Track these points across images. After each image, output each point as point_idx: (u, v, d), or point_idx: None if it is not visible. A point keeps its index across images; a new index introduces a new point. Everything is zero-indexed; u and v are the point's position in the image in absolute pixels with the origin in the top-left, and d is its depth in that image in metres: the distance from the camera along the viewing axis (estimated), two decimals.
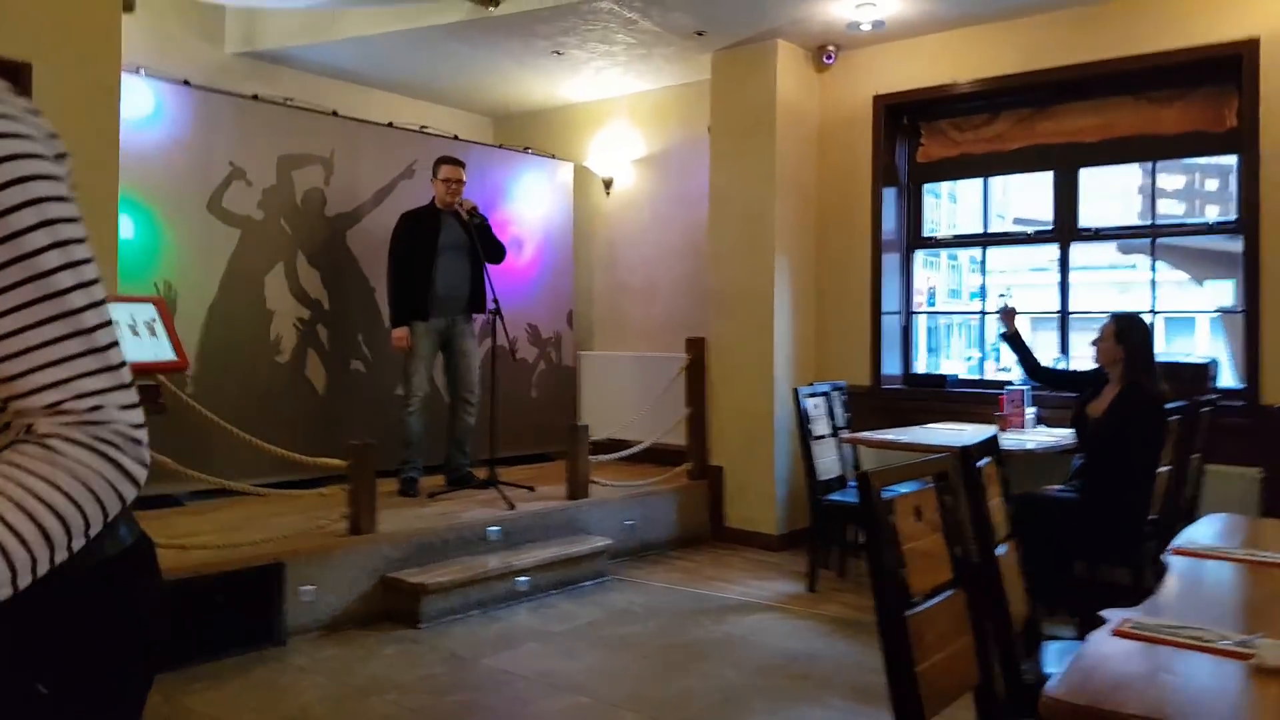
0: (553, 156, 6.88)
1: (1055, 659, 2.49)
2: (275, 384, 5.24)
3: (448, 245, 5.15)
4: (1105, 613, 1.57)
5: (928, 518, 2.00)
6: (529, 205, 6.63)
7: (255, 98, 5.26)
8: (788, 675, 3.54)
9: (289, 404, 5.27)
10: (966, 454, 2.26)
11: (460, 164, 5.23)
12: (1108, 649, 1.43)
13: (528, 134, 7.18)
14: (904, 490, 1.96)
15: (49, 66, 3.22)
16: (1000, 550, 2.27)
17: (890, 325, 5.69)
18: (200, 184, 4.97)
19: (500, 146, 6.71)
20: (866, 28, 5.21)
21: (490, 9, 5.22)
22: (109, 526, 1.01)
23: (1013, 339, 4.46)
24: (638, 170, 6.85)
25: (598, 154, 7.00)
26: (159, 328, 3.24)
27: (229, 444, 4.32)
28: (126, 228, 4.52)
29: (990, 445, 2.52)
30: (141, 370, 3.15)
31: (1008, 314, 4.47)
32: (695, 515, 5.67)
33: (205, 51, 5.79)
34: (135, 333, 3.17)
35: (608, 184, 6.97)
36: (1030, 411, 4.80)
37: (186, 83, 4.95)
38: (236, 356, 5.06)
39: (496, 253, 5.27)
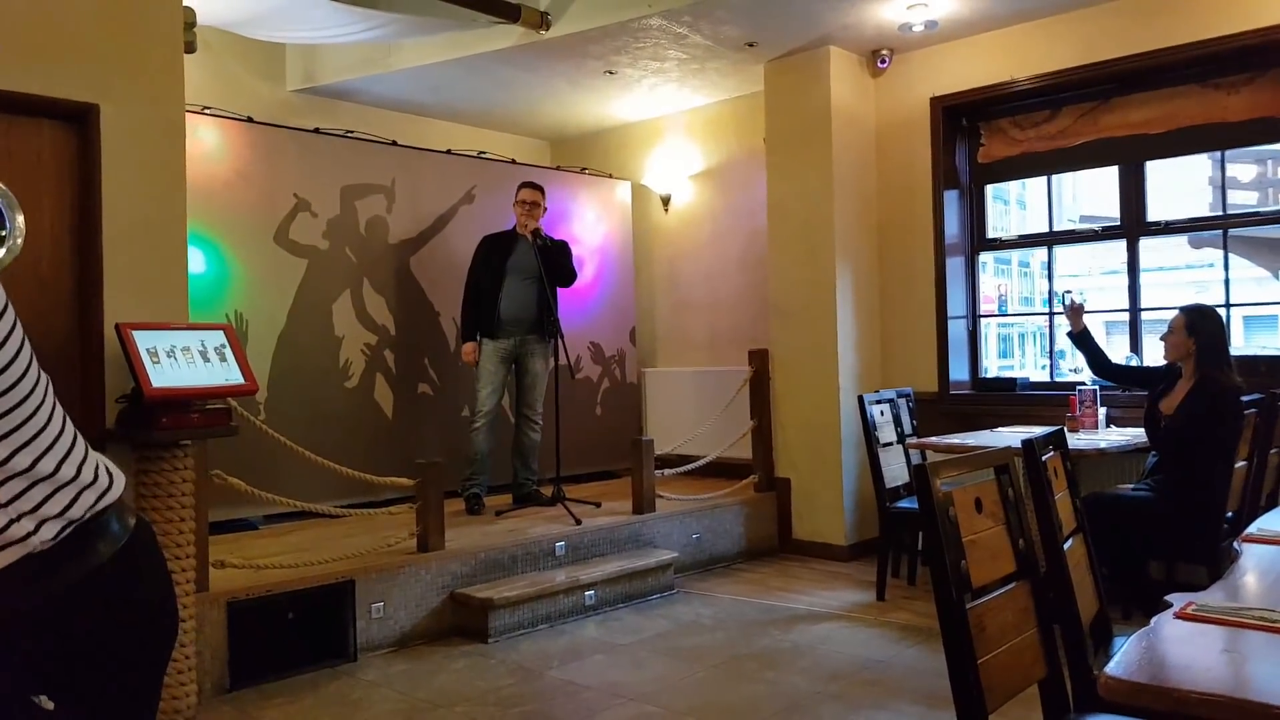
0: (610, 176, 6.95)
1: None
2: (345, 408, 5.37)
3: (516, 268, 5.26)
4: (1170, 597, 1.51)
5: (989, 510, 1.96)
6: (588, 225, 6.69)
7: (317, 130, 5.44)
8: (857, 682, 3.48)
9: (358, 427, 5.40)
10: (1030, 446, 2.20)
11: (536, 188, 5.34)
12: (1170, 630, 1.38)
13: (584, 155, 7.27)
14: (964, 483, 1.92)
15: (116, 108, 3.36)
16: (1067, 544, 2.20)
17: (956, 330, 5.59)
18: (267, 216, 5.15)
19: (558, 168, 6.79)
20: (919, 29, 5.16)
21: (541, 32, 5.31)
22: (100, 525, 1.02)
23: (1080, 337, 4.34)
24: (695, 185, 6.88)
25: (654, 171, 7.05)
26: (228, 353, 3.35)
27: (300, 467, 4.43)
28: (197, 261, 4.70)
29: (1056, 438, 2.46)
30: (212, 394, 3.26)
31: (1075, 312, 4.35)
32: (762, 528, 5.61)
33: (267, 89, 6.02)
34: (206, 358, 3.28)
35: (665, 200, 7.00)
36: (1102, 412, 4.65)
37: (250, 119, 5.14)
38: (307, 382, 5.20)
39: (565, 277, 5.35)
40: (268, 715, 3.36)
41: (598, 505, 5.21)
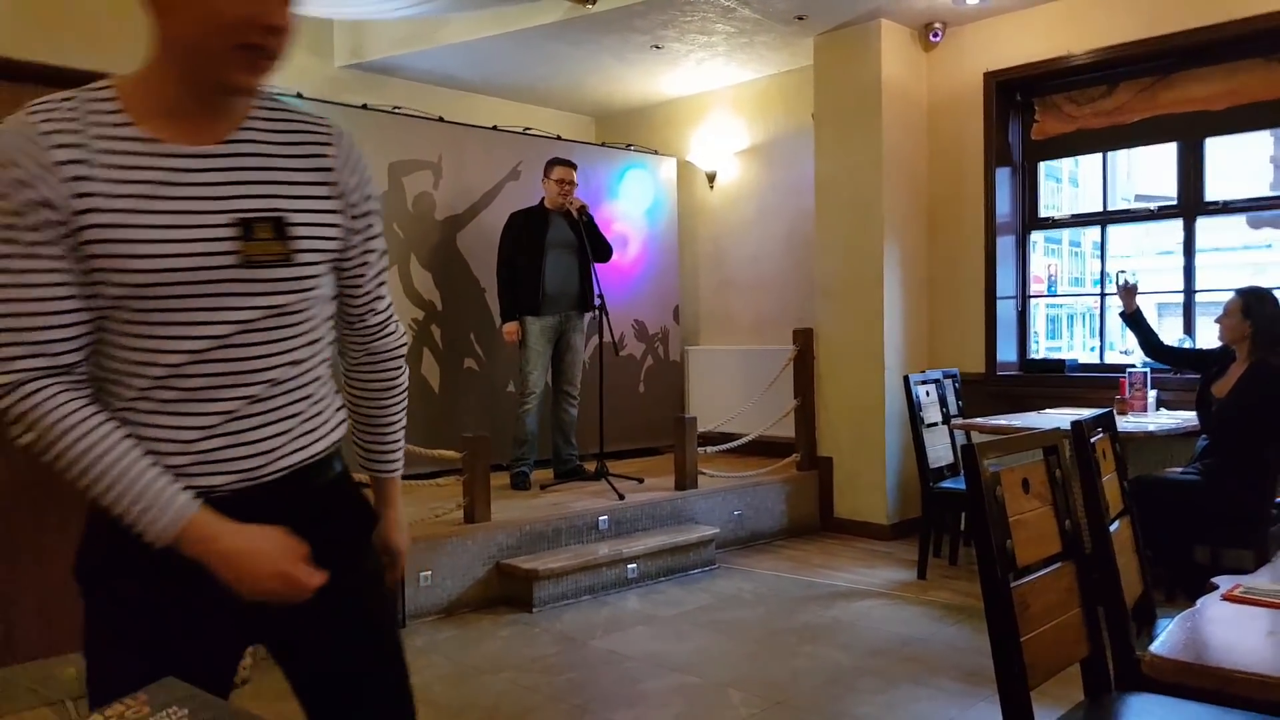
0: (655, 152, 6.94)
1: None
2: None
3: (555, 243, 5.28)
4: (1216, 579, 1.51)
5: (1036, 490, 1.96)
6: (633, 202, 6.70)
7: (365, 107, 5.50)
8: (897, 658, 3.49)
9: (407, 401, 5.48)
10: (1079, 427, 2.19)
11: (572, 165, 5.36)
12: (1216, 612, 1.37)
13: (630, 131, 7.26)
14: (1012, 463, 1.92)
15: None
16: (1113, 527, 2.19)
17: (1005, 311, 5.52)
18: None
19: (603, 145, 6.80)
20: (974, 1, 5.07)
21: (588, 6, 5.31)
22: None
23: (1133, 317, 4.27)
24: (741, 162, 6.84)
25: (700, 147, 7.02)
26: None
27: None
28: None
29: (1105, 420, 2.44)
30: None
31: (1128, 292, 4.28)
32: (804, 506, 5.62)
33: (315, 65, 6.07)
34: None
35: (711, 177, 6.98)
36: (1152, 394, 4.58)
37: (299, 95, 5.20)
38: None
39: (604, 251, 5.37)
40: (285, 686, 3.45)
41: (640, 481, 5.26)
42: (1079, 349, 6.89)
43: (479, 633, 3.91)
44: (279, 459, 1.26)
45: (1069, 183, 7.00)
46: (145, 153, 1.16)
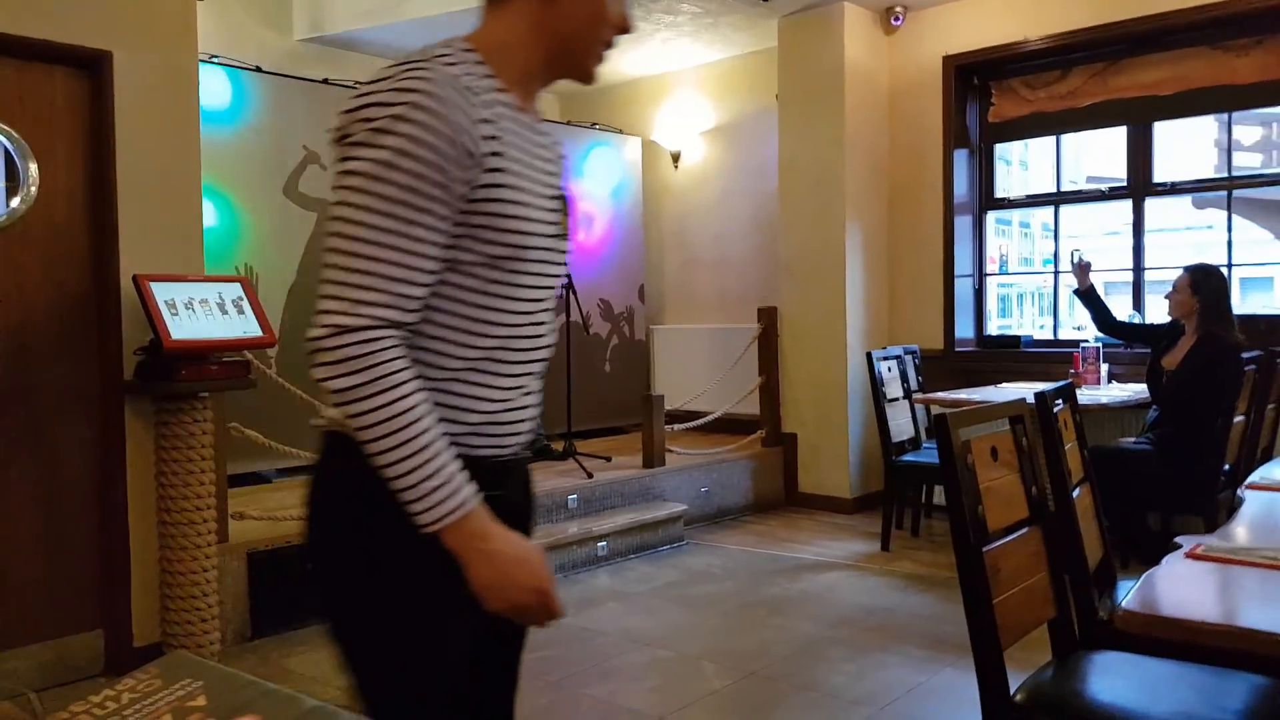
0: (620, 131, 6.94)
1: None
2: None
3: None
4: (1179, 539, 1.58)
5: (1004, 459, 2.02)
6: (598, 181, 6.69)
7: (326, 81, 5.42)
8: (864, 628, 3.58)
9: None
10: (1042, 398, 2.27)
11: None
12: (1180, 570, 1.45)
13: (594, 109, 7.24)
14: (980, 432, 1.99)
15: (128, 55, 3.32)
16: (1075, 493, 2.28)
17: (963, 288, 5.63)
18: (276, 169, 5.15)
19: (568, 123, 6.78)
20: None
21: None
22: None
23: (1087, 294, 4.39)
24: (706, 142, 6.87)
25: (664, 127, 7.03)
26: (245, 305, 3.39)
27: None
28: (209, 214, 4.70)
29: (1066, 391, 2.52)
30: (231, 346, 3.31)
31: (1082, 269, 4.40)
32: (769, 481, 5.71)
33: (273, 39, 5.96)
34: (224, 310, 3.32)
35: (676, 157, 7.00)
36: (1104, 368, 4.72)
37: (259, 69, 5.12)
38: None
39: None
40: (290, 663, 3.46)
41: (608, 459, 5.30)
42: (1030, 326, 7.05)
43: None
44: (528, 434, 1.26)
45: (1019, 165, 7.13)
46: (518, 119, 1.20)
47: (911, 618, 3.69)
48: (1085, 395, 4.23)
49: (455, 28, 4.83)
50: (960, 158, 5.64)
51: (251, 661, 3.47)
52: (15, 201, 3.16)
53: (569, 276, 5.16)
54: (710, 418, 5.68)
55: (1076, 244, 5.90)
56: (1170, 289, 3.95)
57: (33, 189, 3.19)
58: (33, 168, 3.19)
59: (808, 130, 5.66)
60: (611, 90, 7.29)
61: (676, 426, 5.46)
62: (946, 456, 1.86)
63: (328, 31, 6.06)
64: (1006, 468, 2.03)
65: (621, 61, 6.67)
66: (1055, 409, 2.32)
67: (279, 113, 5.14)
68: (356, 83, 4.99)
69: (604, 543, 4.59)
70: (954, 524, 1.83)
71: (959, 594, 3.84)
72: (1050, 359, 5.18)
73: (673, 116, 6.98)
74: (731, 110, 6.72)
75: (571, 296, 5.20)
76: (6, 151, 3.17)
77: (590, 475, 4.92)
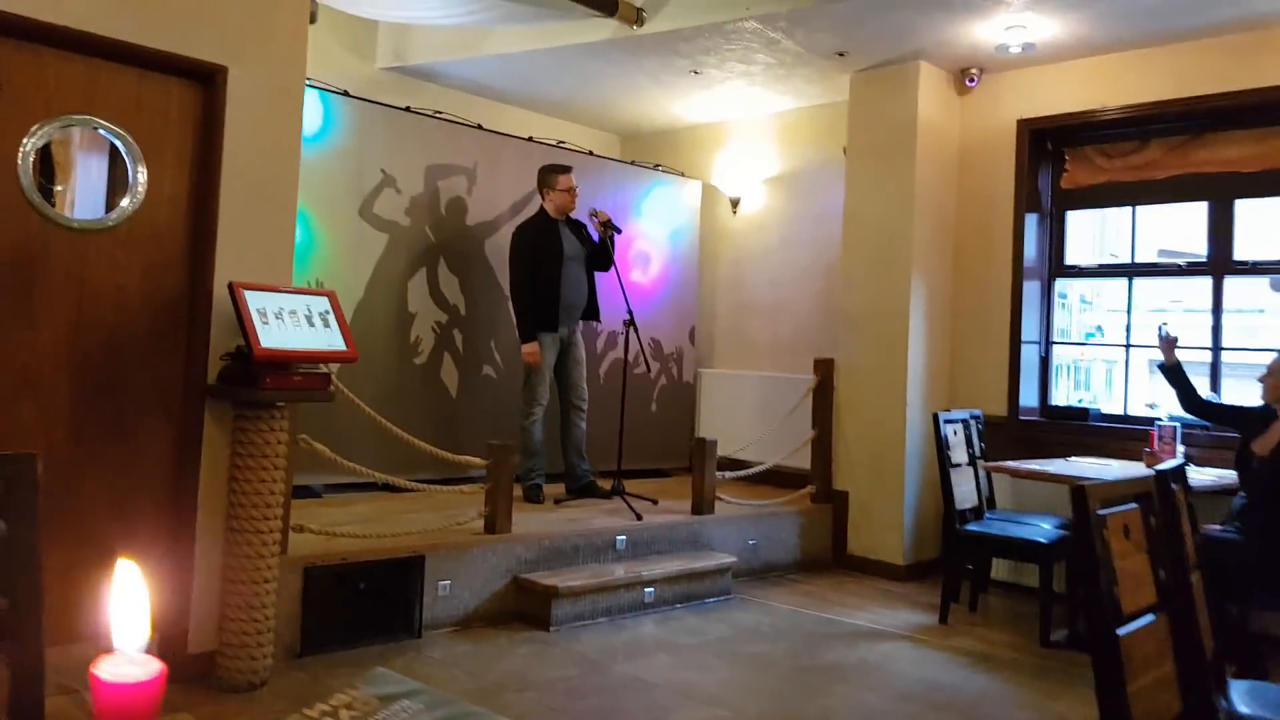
0: (681, 174, 6.94)
1: (1244, 698, 2.37)
2: (412, 384, 5.39)
3: (570, 255, 5.25)
4: None
5: (1134, 538, 1.93)
6: (656, 221, 6.69)
7: (408, 109, 5.46)
8: (930, 705, 3.45)
9: (424, 404, 5.42)
10: (1163, 477, 2.17)
11: (572, 169, 5.34)
12: None
13: (654, 151, 7.26)
14: (1114, 509, 1.90)
15: (243, 71, 3.39)
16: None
17: (1029, 355, 5.54)
18: (354, 189, 5.18)
19: (632, 163, 6.79)
20: (1016, 50, 5.12)
21: (635, 28, 5.31)
22: None
23: (1173, 370, 4.27)
24: (767, 189, 6.85)
25: (725, 172, 7.03)
26: (331, 319, 3.37)
27: (367, 438, 4.50)
28: None
29: (1177, 473, 2.43)
30: (317, 358, 3.28)
31: (1168, 344, 4.29)
32: (817, 539, 5.58)
33: (357, 65, 6.04)
34: (311, 323, 3.31)
35: (735, 203, 6.99)
36: (1180, 449, 4.59)
37: (346, 93, 5.17)
38: (378, 355, 5.23)
39: (609, 261, 5.34)
40: (335, 684, 3.37)
41: (655, 502, 5.21)
42: (1097, 394, 6.88)
43: (497, 649, 3.83)
44: None
45: (1090, 234, 7.05)
46: None
47: (978, 698, 3.55)
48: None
49: (531, 65, 4.98)
50: (1030, 222, 5.58)
51: (298, 680, 3.40)
52: (125, 201, 3.19)
53: (631, 313, 5.13)
54: (761, 468, 5.58)
55: (1152, 318, 5.79)
56: (1264, 371, 3.84)
57: (141, 191, 3.23)
58: (142, 171, 3.22)
59: (876, 184, 5.63)
60: (672, 133, 7.31)
61: (727, 474, 5.36)
62: (1083, 530, 1.77)
63: (409, 62, 6.14)
64: (1135, 548, 1.94)
65: (686, 106, 6.70)
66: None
67: (361, 136, 5.19)
68: (436, 113, 5.15)
69: (652, 589, 4.49)
70: (1088, 603, 1.74)
71: (1026, 677, 3.74)
72: (1120, 434, 5.06)
73: (734, 162, 6.98)
74: (795, 159, 6.71)
75: (632, 333, 5.16)
76: (118, 153, 3.20)
77: (640, 518, 4.83)
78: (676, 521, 4.96)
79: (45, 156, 3.11)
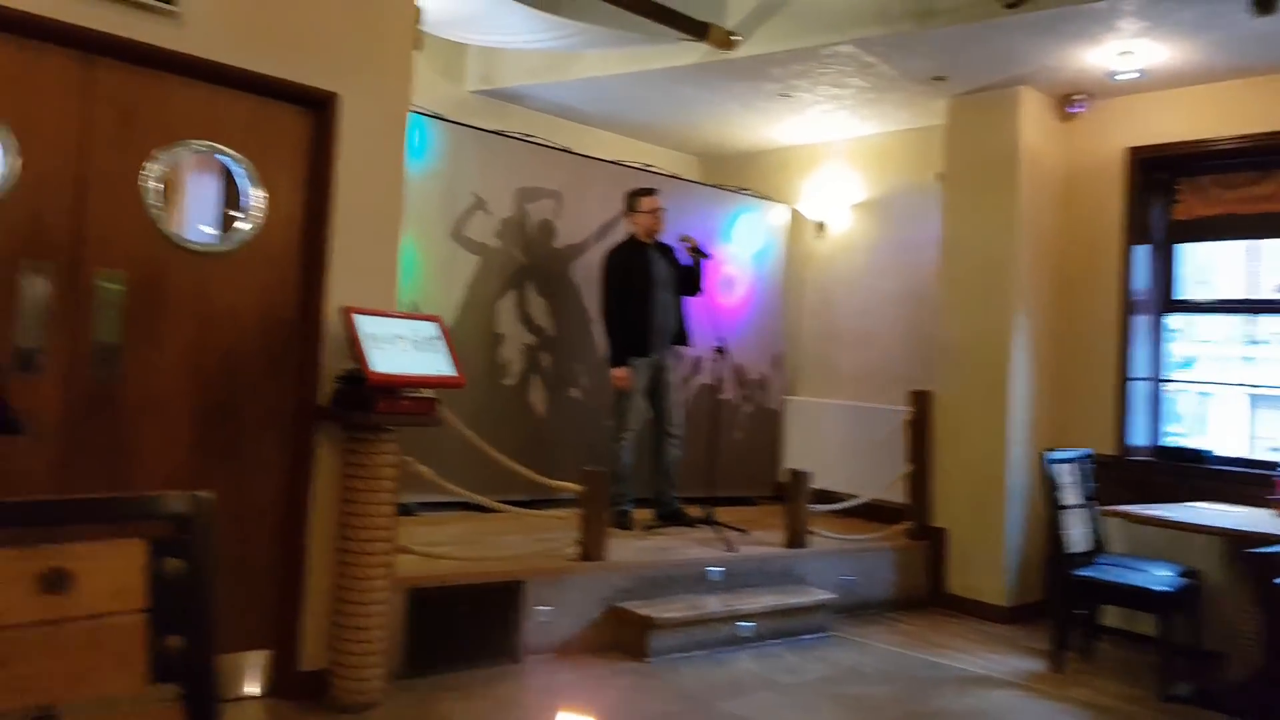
0: (767, 198, 6.85)
1: None
2: (502, 407, 5.36)
3: (660, 280, 5.18)
4: None
5: None
6: (742, 246, 6.60)
7: (499, 133, 5.47)
8: None
9: (512, 427, 5.37)
10: None
11: (658, 192, 5.28)
12: None
13: (736, 174, 7.18)
14: None
15: (353, 98, 3.41)
16: None
17: (1138, 392, 5.31)
18: (447, 212, 5.19)
19: (718, 187, 6.72)
20: (1130, 76, 4.93)
21: (726, 52, 5.26)
22: None
23: None
24: (855, 215, 6.73)
25: (811, 197, 6.92)
26: (440, 344, 3.35)
27: (459, 459, 4.47)
28: None
29: None
30: (427, 383, 3.25)
31: None
32: (913, 577, 5.39)
33: (447, 88, 6.06)
34: (419, 348, 3.28)
35: (821, 227, 6.87)
36: None
37: (440, 117, 5.19)
38: (469, 377, 5.15)
39: (698, 285, 5.28)
40: (443, 709, 3.33)
41: (745, 532, 5.09)
42: (1213, 434, 6.59)
43: (596, 679, 3.74)
44: None
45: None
46: None
47: None
48: None
49: (618, 89, 4.96)
50: (1140, 254, 5.38)
51: (407, 702, 3.35)
52: (243, 225, 3.21)
53: (722, 340, 5.05)
54: (856, 502, 5.42)
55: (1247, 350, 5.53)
56: None
57: (257, 215, 3.24)
58: (258, 195, 3.24)
59: (975, 211, 5.47)
60: (755, 156, 7.23)
61: (820, 507, 5.21)
62: (1272, 599, 1.64)
63: (498, 85, 6.16)
64: None
65: (771, 129, 6.62)
66: None
67: (453, 159, 5.21)
68: (526, 136, 5.15)
69: (747, 624, 4.36)
70: (1269, 670, 1.60)
71: None
72: (1241, 479, 4.79)
73: (820, 187, 6.87)
74: (884, 185, 6.57)
75: (723, 359, 5.07)
76: (232, 176, 3.22)
77: (732, 549, 4.72)
78: (770, 554, 4.83)
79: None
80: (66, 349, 2.91)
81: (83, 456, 2.93)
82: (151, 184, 3.05)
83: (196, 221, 3.25)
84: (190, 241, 3.16)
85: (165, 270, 3.10)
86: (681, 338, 5.31)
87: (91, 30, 2.87)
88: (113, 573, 1.40)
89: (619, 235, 5.69)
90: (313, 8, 3.32)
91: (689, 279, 5.25)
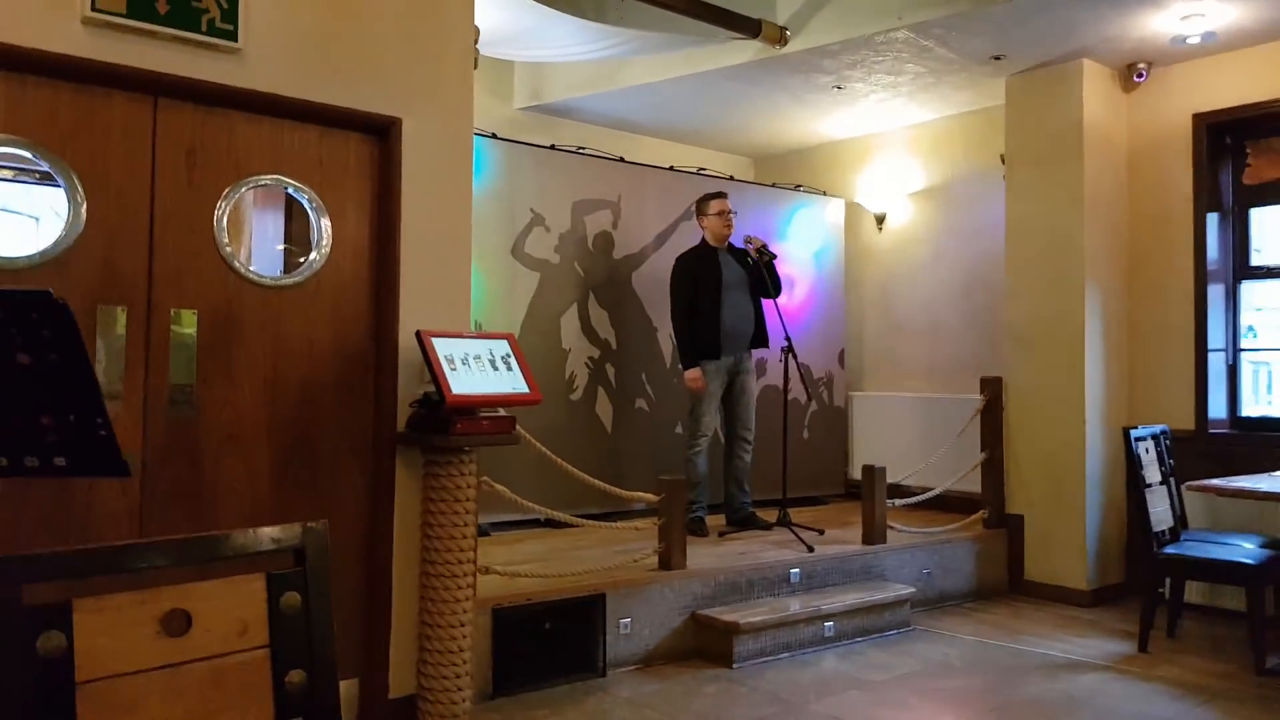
0: (823, 193, 6.80)
1: None
2: (569, 421, 5.41)
3: (731, 283, 5.17)
4: None
5: None
6: (800, 243, 6.56)
7: (552, 147, 5.53)
8: None
9: (581, 440, 5.42)
10: None
11: (727, 195, 5.29)
12: None
13: (789, 171, 7.15)
14: None
15: (415, 122, 3.45)
16: None
17: (1216, 363, 5.17)
18: (506, 230, 5.26)
19: (773, 185, 6.70)
20: (1195, 40, 4.81)
21: (778, 48, 5.24)
22: None
23: None
24: (914, 204, 6.65)
25: (867, 189, 6.86)
26: (513, 362, 3.39)
27: (532, 475, 4.55)
28: None
29: None
30: (505, 402, 3.30)
31: None
32: (993, 566, 5.32)
33: (496, 106, 6.15)
34: (495, 367, 3.33)
35: (880, 219, 6.81)
36: None
37: (495, 135, 5.26)
38: None
39: (778, 288, 5.25)
40: None
41: (821, 533, 5.06)
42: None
43: (683, 688, 3.76)
44: None
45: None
46: None
47: None
48: None
49: (669, 94, 4.92)
50: (1212, 221, 5.23)
51: None
52: (312, 256, 3.28)
53: (789, 339, 5.03)
54: (931, 494, 5.35)
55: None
56: None
57: (326, 246, 3.31)
58: (326, 225, 3.31)
59: (1040, 191, 5.37)
60: (808, 152, 7.19)
61: (898, 501, 5.16)
62: None
63: (546, 100, 6.22)
64: None
65: (825, 123, 6.57)
66: None
67: (509, 177, 5.27)
68: (580, 148, 5.16)
69: (831, 623, 4.34)
70: None
71: (1248, 709, 3.45)
72: None
73: (877, 178, 6.80)
74: (943, 171, 6.49)
75: (792, 361, 5.05)
76: (300, 207, 3.30)
77: (811, 549, 4.70)
78: (848, 552, 4.80)
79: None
80: (143, 390, 2.97)
81: (164, 498, 2.99)
82: (221, 221, 3.13)
83: (266, 255, 3.34)
84: (261, 276, 3.21)
85: (238, 306, 3.16)
86: (759, 340, 5.29)
87: (156, 73, 2.91)
88: (232, 610, 1.43)
89: (684, 242, 5.71)
90: (372, 34, 3.36)
91: (763, 281, 5.23)
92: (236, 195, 3.17)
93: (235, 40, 3.04)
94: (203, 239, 3.11)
